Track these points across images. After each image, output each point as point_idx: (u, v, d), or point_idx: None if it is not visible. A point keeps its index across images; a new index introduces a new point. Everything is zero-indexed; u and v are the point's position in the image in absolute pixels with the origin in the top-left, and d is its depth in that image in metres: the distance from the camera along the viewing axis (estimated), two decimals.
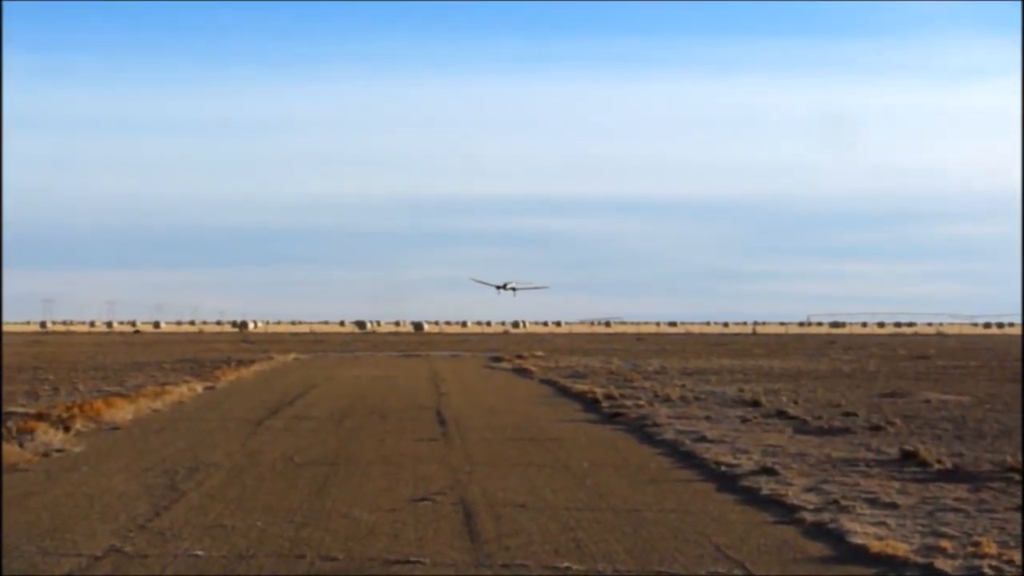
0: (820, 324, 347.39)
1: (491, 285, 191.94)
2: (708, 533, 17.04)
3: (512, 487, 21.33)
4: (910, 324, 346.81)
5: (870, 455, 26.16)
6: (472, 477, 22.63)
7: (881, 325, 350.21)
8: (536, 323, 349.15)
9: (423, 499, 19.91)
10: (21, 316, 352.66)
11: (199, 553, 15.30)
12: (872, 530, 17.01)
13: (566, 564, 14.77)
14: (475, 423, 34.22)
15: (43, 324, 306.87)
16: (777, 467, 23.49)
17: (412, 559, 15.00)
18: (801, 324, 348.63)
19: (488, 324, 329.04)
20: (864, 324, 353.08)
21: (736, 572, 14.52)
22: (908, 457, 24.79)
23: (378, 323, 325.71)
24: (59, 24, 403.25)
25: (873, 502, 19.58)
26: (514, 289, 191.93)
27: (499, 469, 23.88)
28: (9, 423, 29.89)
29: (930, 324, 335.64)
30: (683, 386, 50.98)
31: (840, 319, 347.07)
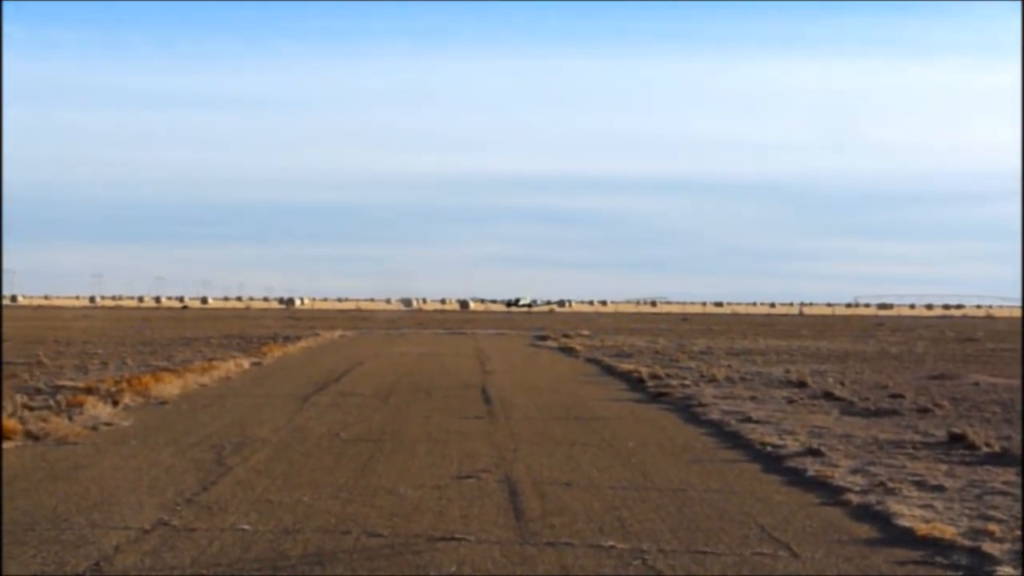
0: (867, 305, 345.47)
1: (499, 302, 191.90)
2: (753, 513, 16.97)
3: (557, 465, 21.32)
4: (959, 306, 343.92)
5: (917, 437, 25.96)
6: (517, 455, 22.63)
7: (929, 307, 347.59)
8: (581, 302, 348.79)
9: (468, 476, 19.93)
10: (71, 290, 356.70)
11: (246, 527, 15.39)
12: (919, 512, 16.87)
13: (611, 542, 14.74)
14: (520, 401, 34.23)
15: (92, 299, 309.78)
16: (823, 448, 23.34)
17: (457, 536, 15.01)
18: (848, 305, 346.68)
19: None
20: (912, 306, 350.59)
21: (781, 553, 14.45)
22: (956, 440, 24.58)
23: (424, 300, 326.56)
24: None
25: (920, 484, 19.42)
26: (530, 305, 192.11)
27: (544, 447, 23.87)
28: (59, 396, 30.29)
29: (979, 306, 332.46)
30: (729, 366, 50.80)
31: (888, 300, 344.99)
